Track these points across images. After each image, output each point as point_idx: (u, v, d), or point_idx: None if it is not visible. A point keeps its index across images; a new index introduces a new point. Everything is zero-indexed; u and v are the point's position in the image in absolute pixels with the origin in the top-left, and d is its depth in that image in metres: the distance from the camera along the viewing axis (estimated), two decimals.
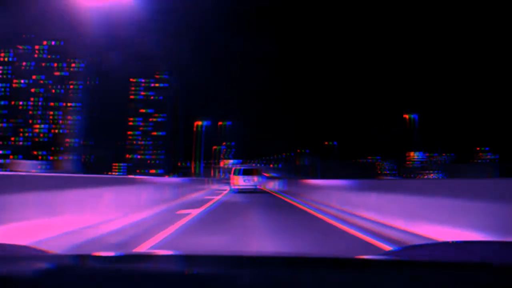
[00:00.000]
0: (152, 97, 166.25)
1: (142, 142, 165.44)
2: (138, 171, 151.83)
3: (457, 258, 1.34)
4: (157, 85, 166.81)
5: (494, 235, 3.81)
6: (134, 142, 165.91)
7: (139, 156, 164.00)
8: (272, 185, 27.55)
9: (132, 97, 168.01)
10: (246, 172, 20.38)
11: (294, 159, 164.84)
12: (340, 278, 1.02)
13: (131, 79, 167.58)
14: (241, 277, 1.02)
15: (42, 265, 1.17)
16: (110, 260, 1.39)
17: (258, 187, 20.81)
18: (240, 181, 20.04)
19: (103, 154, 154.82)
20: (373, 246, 4.99)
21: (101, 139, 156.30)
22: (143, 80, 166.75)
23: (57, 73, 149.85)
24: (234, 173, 20.65)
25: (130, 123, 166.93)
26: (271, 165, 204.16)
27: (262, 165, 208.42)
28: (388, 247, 4.70)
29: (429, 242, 2.52)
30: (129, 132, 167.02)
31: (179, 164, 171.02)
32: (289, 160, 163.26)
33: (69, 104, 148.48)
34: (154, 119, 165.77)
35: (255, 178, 20.16)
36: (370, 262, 1.33)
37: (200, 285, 0.96)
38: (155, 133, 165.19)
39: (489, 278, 0.96)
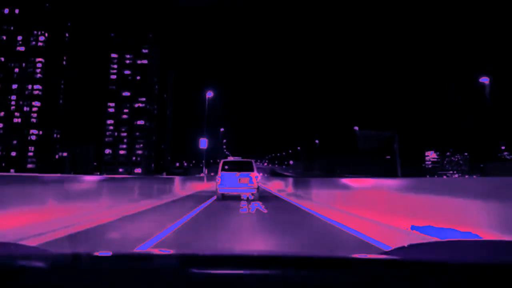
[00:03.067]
0: (129, 77, 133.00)
1: (115, 134, 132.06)
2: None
3: (455, 257, 1.33)
4: (136, 61, 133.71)
5: None
6: (107, 133, 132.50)
7: (108, 151, 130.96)
8: (283, 186, 21.30)
9: (104, 76, 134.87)
10: (239, 167, 13.74)
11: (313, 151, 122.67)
12: (338, 277, 1.02)
13: (103, 55, 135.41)
14: (241, 277, 1.01)
15: (41, 264, 1.16)
16: (109, 259, 1.37)
17: (260, 185, 15.92)
18: (231, 181, 13.36)
19: (78, 149, 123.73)
20: None
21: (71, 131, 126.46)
22: (116, 56, 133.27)
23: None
24: (223, 169, 13.65)
25: (102, 110, 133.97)
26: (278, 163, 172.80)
27: (270, 165, 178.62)
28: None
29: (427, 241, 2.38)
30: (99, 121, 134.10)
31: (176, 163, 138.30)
32: (305, 155, 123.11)
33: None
34: (131, 104, 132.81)
35: (256, 176, 13.58)
36: (368, 261, 1.31)
37: (200, 285, 0.95)
38: (131, 122, 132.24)
39: (487, 277, 0.96)
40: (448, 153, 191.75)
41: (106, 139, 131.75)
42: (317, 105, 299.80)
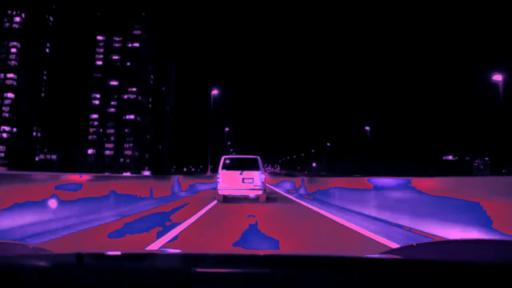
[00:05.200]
0: (117, 63, 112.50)
1: (100, 130, 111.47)
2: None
3: (457, 256, 1.33)
4: (126, 45, 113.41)
5: None
6: (90, 130, 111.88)
7: (92, 151, 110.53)
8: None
9: (88, 62, 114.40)
10: (243, 164, 11.90)
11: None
12: (340, 276, 1.03)
13: (88, 38, 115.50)
14: (244, 276, 1.02)
15: (45, 264, 1.15)
16: (111, 258, 1.37)
17: (268, 186, 15.67)
18: (233, 181, 11.52)
19: (72, 151, 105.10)
20: None
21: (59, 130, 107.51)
22: (102, 38, 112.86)
23: None
24: (224, 166, 11.88)
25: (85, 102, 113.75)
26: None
27: (283, 170, 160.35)
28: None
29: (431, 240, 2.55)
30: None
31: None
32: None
33: None
34: (120, 95, 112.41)
35: (263, 176, 11.77)
36: (372, 260, 1.32)
37: (202, 284, 0.95)
38: (120, 116, 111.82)
39: (488, 276, 0.96)
40: (467, 158, 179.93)
41: (90, 137, 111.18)
42: (338, 103, 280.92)
